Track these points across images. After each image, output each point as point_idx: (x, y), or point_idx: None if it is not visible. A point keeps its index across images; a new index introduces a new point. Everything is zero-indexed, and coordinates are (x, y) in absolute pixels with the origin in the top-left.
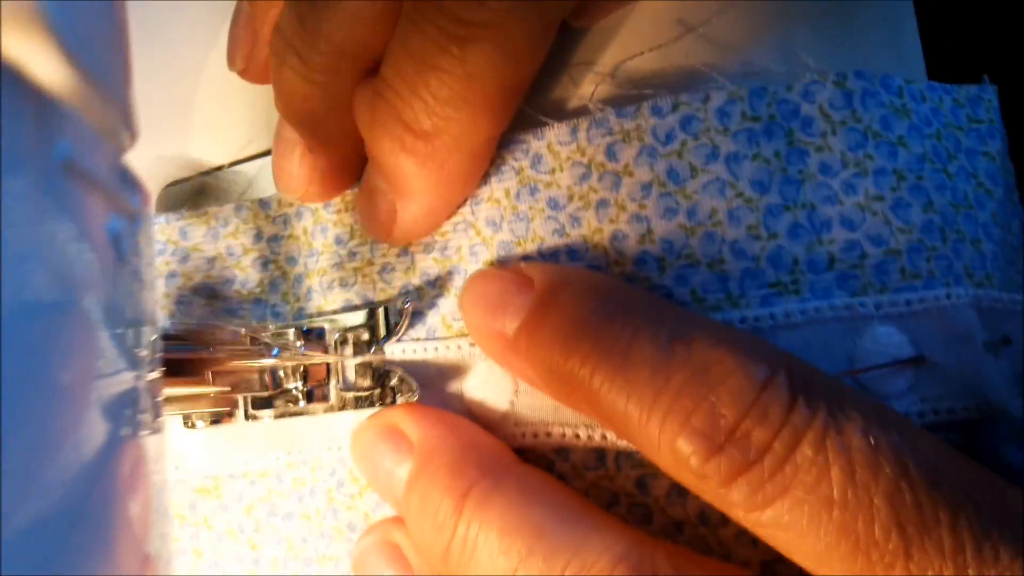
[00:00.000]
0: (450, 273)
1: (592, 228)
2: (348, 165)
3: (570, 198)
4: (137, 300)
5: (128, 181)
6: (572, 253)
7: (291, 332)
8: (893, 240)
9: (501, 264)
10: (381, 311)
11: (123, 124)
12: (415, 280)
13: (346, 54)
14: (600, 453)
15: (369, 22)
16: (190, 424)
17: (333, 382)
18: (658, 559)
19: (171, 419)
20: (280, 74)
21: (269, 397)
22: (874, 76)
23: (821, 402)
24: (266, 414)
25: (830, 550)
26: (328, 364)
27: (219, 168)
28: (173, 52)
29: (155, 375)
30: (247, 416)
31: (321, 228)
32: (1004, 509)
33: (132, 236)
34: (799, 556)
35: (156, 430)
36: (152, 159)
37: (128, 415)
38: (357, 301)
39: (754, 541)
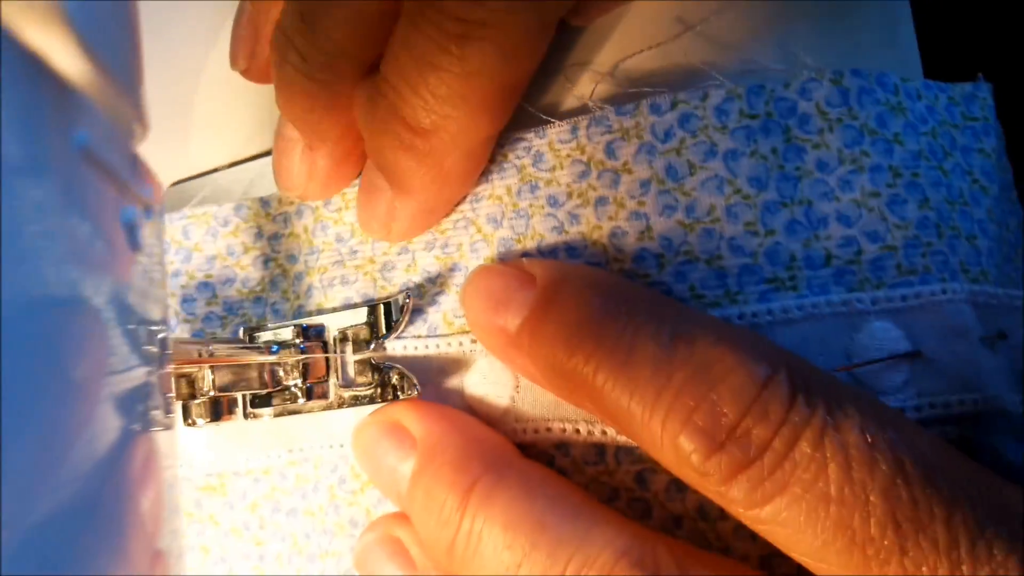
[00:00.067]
0: (451, 270)
1: (591, 225)
2: (348, 163)
3: (569, 195)
4: (149, 296)
5: (140, 172)
6: (571, 250)
7: (290, 329)
8: (889, 236)
9: (502, 260)
10: (382, 308)
11: (136, 116)
12: (416, 277)
13: (347, 53)
14: (600, 448)
15: (370, 21)
16: (190, 422)
17: (332, 379)
18: (660, 553)
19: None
20: (281, 72)
21: (268, 394)
22: (870, 74)
23: (820, 400)
24: (265, 412)
25: (827, 546)
26: (327, 361)
27: (219, 168)
28: (173, 52)
29: (166, 371)
30: (246, 414)
31: (322, 226)
32: (1000, 506)
33: (145, 227)
34: (797, 552)
35: (167, 426)
36: (153, 159)
37: (140, 411)
38: (357, 299)
39: (753, 536)
